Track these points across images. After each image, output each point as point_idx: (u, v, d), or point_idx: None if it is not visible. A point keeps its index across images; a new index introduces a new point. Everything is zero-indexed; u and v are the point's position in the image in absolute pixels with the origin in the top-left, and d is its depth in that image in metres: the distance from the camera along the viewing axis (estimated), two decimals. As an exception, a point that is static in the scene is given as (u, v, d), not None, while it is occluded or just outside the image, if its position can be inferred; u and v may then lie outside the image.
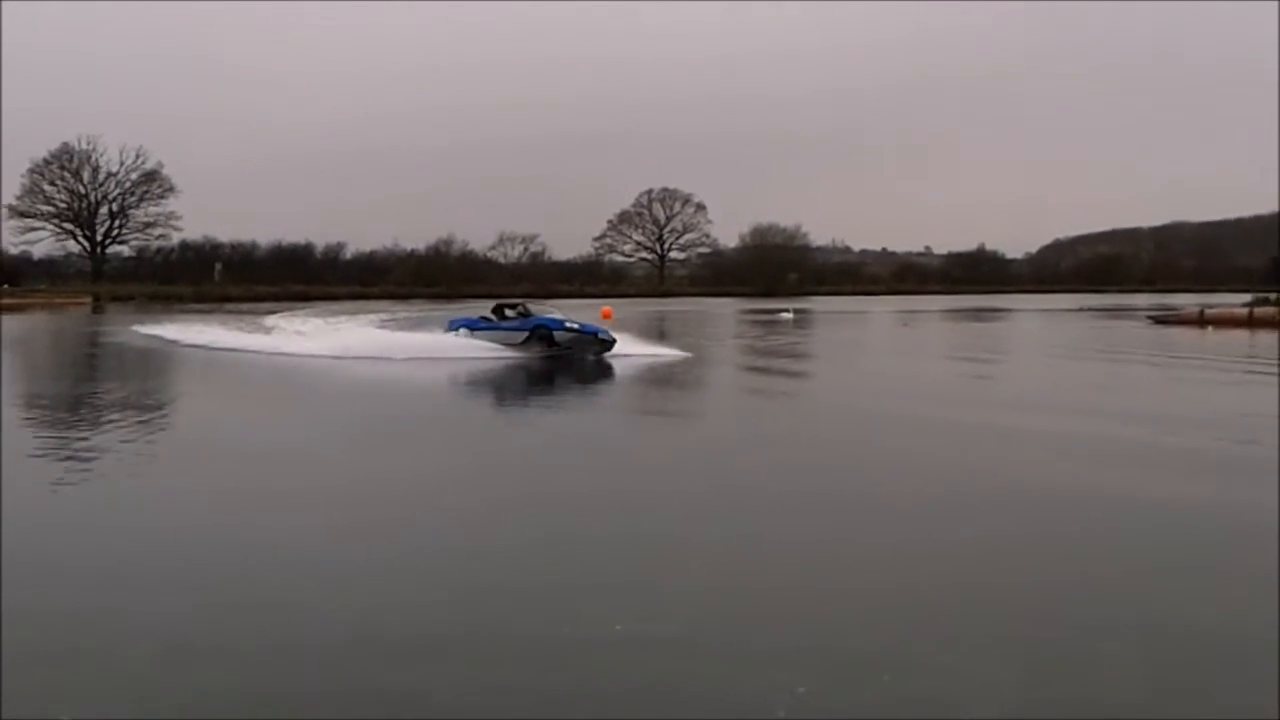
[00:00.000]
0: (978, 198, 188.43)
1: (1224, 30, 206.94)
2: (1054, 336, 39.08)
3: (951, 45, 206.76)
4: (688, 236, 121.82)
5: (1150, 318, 49.37)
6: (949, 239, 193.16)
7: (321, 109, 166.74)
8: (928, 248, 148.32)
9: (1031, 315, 58.95)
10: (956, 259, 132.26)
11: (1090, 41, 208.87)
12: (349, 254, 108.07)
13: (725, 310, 63.64)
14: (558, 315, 27.14)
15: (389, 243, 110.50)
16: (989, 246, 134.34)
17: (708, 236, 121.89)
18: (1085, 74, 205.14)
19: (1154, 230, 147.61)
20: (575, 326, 25.43)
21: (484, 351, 24.76)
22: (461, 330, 26.19)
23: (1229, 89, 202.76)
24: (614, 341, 25.19)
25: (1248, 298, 56.98)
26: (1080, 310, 64.10)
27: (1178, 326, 44.05)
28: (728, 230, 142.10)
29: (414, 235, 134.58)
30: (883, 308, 70.27)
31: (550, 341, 24.88)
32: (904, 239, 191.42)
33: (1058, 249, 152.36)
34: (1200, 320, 45.12)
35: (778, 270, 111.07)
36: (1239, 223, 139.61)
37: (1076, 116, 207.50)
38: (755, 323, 48.75)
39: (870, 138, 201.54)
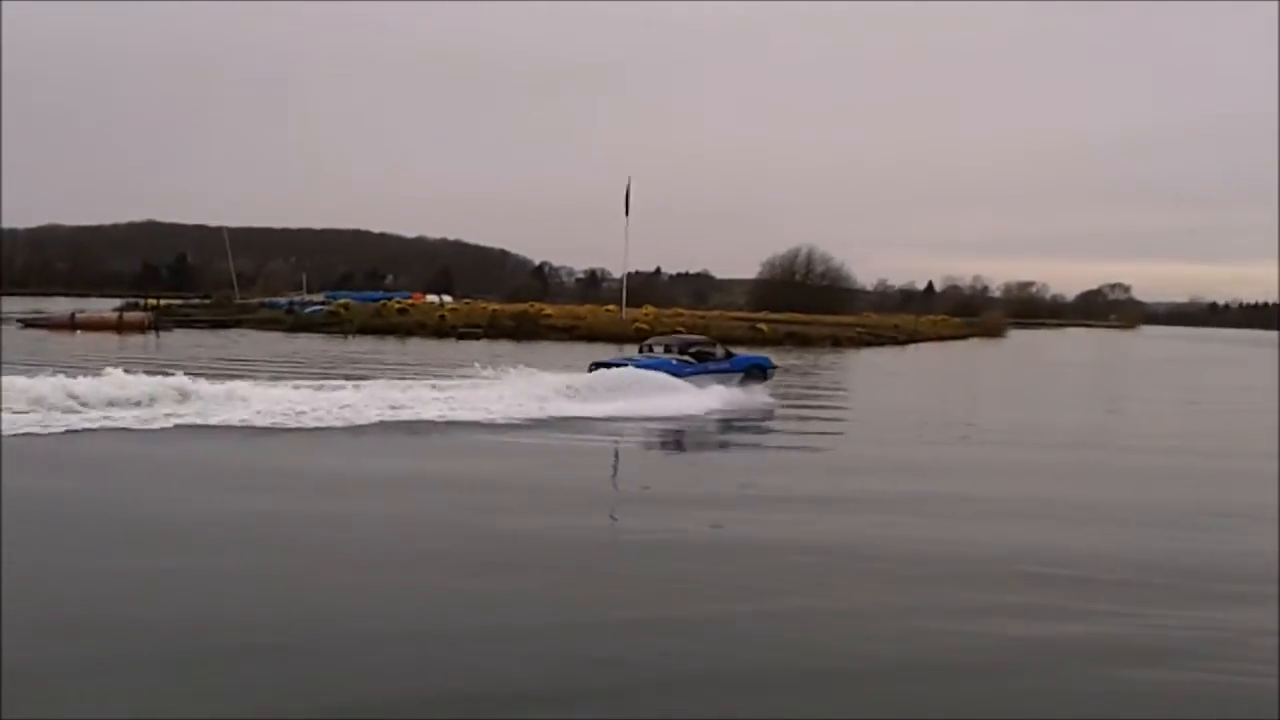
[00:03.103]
0: None
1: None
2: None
3: None
4: None
5: (21, 322, 47.50)
6: None
7: None
8: None
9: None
10: None
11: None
12: None
13: None
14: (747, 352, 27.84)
15: None
16: None
17: None
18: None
19: (29, 232, 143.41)
20: (775, 363, 25.96)
21: (742, 399, 21.90)
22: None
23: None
24: None
25: (119, 302, 59.19)
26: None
27: (51, 330, 43.84)
28: None
29: None
30: None
31: (762, 379, 23.97)
32: None
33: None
34: (71, 325, 45.71)
35: None
36: (114, 228, 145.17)
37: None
38: None
39: None
